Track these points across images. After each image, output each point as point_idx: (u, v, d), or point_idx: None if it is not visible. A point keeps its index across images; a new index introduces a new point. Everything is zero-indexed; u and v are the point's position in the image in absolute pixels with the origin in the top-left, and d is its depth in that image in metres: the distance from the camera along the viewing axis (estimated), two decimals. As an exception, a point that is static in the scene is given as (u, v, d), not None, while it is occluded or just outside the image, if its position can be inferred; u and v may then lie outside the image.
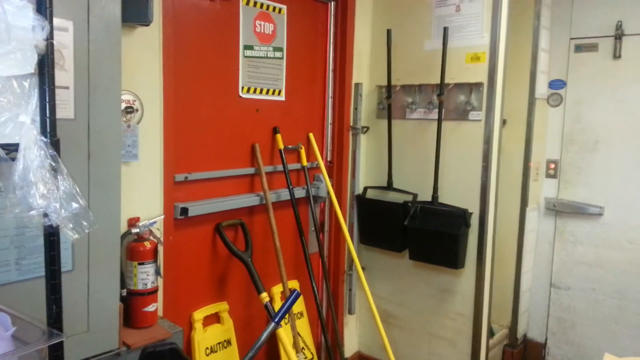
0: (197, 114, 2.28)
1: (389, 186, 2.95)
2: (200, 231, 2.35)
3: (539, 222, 3.45)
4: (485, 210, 2.64)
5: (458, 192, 2.71)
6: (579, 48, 3.26)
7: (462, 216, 2.63)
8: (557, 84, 3.36)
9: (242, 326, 2.58)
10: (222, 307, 2.45)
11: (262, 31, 2.54)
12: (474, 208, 2.66)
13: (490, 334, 3.06)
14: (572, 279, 3.33)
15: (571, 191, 3.34)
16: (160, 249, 1.94)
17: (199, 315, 2.33)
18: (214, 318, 2.44)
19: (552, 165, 3.39)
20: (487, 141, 2.60)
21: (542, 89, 3.32)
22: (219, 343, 2.39)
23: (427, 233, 2.71)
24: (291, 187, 2.66)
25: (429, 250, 2.73)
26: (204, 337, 2.32)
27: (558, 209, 3.36)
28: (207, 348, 2.32)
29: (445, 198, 2.74)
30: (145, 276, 1.84)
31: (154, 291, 1.88)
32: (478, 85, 2.61)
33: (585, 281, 3.28)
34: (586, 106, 3.24)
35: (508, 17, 2.56)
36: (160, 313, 2.02)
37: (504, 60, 2.59)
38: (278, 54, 2.64)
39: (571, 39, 3.28)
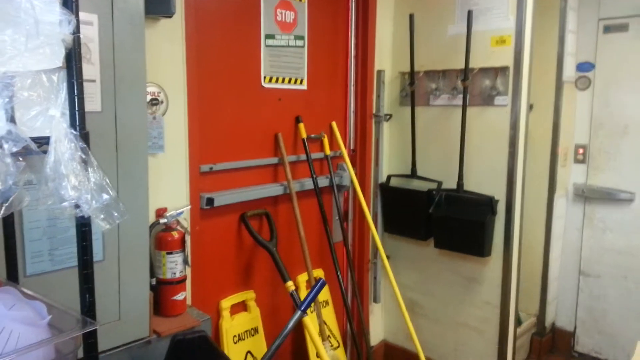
0: (220, 104, 2.30)
1: (413, 174, 2.93)
2: (225, 221, 2.38)
3: (567, 209, 3.39)
4: (512, 197, 2.60)
5: (484, 179, 2.68)
6: (607, 29, 3.16)
7: (488, 203, 2.60)
8: (585, 67, 3.27)
9: (269, 314, 2.60)
10: (248, 295, 2.48)
11: (283, 20, 2.53)
12: (500, 195, 2.62)
13: (518, 322, 3.03)
14: (602, 266, 3.27)
15: (600, 177, 3.26)
16: (188, 238, 1.96)
17: (226, 303, 2.36)
18: (241, 306, 2.47)
19: (581, 151, 3.31)
20: (514, 126, 2.56)
21: (569, 72, 3.23)
22: (246, 331, 2.42)
23: (452, 221, 2.68)
24: (315, 176, 2.66)
25: (455, 238, 2.71)
26: (231, 325, 2.35)
27: (587, 195, 3.29)
28: (234, 336, 2.35)
29: (470, 185, 2.71)
30: (174, 265, 1.87)
31: (183, 280, 1.91)
32: (504, 69, 2.56)
33: (616, 269, 3.21)
34: (615, 89, 3.15)
35: (534, -1, 2.49)
36: (188, 302, 2.05)
37: (530, 43, 2.53)
38: (299, 43, 2.63)
39: (600, 19, 3.18)
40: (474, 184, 2.70)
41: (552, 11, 3.09)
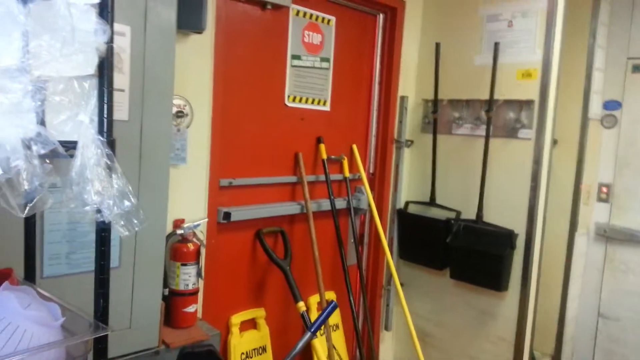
0: (243, 120, 2.32)
1: (432, 202, 2.90)
2: (241, 236, 2.38)
3: (588, 248, 3.31)
4: (532, 232, 2.55)
5: (504, 212, 2.64)
6: (636, 68, 3.13)
7: (507, 237, 2.56)
8: (612, 105, 3.24)
9: (278, 334, 2.58)
10: (259, 313, 2.46)
11: (310, 41, 2.57)
12: (520, 229, 2.58)
13: (532, 360, 2.95)
14: (622, 309, 3.17)
15: (624, 217, 3.19)
16: (203, 251, 1.97)
17: (236, 319, 2.35)
18: (251, 324, 2.45)
19: (605, 189, 3.25)
20: (537, 161, 2.53)
21: (595, 109, 3.20)
22: (254, 349, 2.40)
23: (470, 252, 2.64)
24: (332, 197, 2.66)
25: (471, 270, 2.66)
26: (240, 342, 2.33)
27: (609, 235, 3.22)
28: (242, 353, 2.34)
29: (490, 217, 2.67)
30: (187, 277, 1.87)
31: (195, 292, 1.90)
32: (529, 102, 2.55)
33: (637, 313, 3.11)
34: (643, 129, 3.11)
35: (562, 33, 2.49)
36: (199, 315, 2.05)
37: (556, 78, 2.52)
38: (325, 64, 2.66)
39: (628, 58, 3.15)
40: (493, 216, 2.67)
41: (579, 48, 3.08)
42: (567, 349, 3.31)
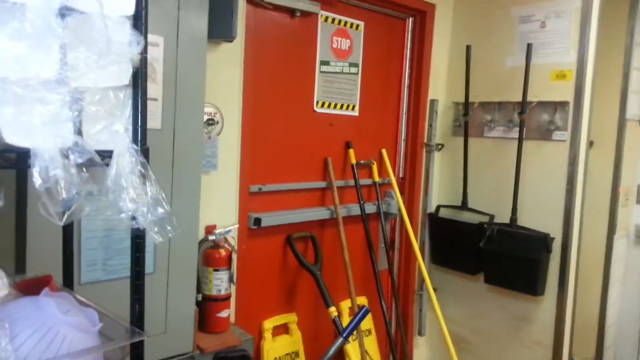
0: (272, 126, 2.34)
1: (464, 206, 2.86)
2: (271, 242, 2.39)
3: (627, 251, 3.20)
4: (569, 235, 2.49)
5: (539, 216, 2.58)
6: (676, 66, 3.02)
7: (543, 240, 2.50)
8: (651, 104, 3.13)
9: (310, 339, 2.57)
10: (291, 318, 2.47)
11: (339, 47, 2.57)
12: (555, 233, 2.52)
13: (571, 367, 2.86)
14: (665, 314, 3.06)
15: (665, 219, 3.08)
16: (234, 256, 1.98)
17: (268, 324, 2.36)
18: (283, 328, 2.46)
19: (644, 191, 3.15)
20: (572, 163, 2.46)
21: (634, 109, 3.10)
22: (287, 354, 2.40)
23: (504, 257, 2.59)
24: (362, 202, 2.65)
25: (506, 275, 2.61)
26: (273, 347, 2.34)
27: (650, 238, 3.11)
28: (275, 358, 2.34)
29: (524, 221, 2.61)
30: (220, 282, 1.89)
31: (227, 297, 1.92)
32: (563, 104, 2.48)
33: (681, 318, 3.00)
34: (684, 128, 2.99)
35: (597, 33, 2.42)
36: (232, 320, 2.06)
37: (592, 78, 2.45)
38: (353, 70, 2.66)
39: (669, 56, 3.05)
40: (528, 220, 2.61)
41: (616, 47, 2.99)
42: (608, 354, 3.20)
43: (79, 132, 1.06)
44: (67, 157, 1.03)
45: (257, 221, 2.23)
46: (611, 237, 3.10)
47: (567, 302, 2.51)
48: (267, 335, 2.34)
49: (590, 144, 2.62)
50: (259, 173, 2.29)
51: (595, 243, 3.08)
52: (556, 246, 2.52)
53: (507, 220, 2.65)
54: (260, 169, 2.30)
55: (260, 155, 2.28)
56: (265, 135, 2.30)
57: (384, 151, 2.82)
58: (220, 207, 2.05)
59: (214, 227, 1.98)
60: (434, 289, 2.86)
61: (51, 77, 1.01)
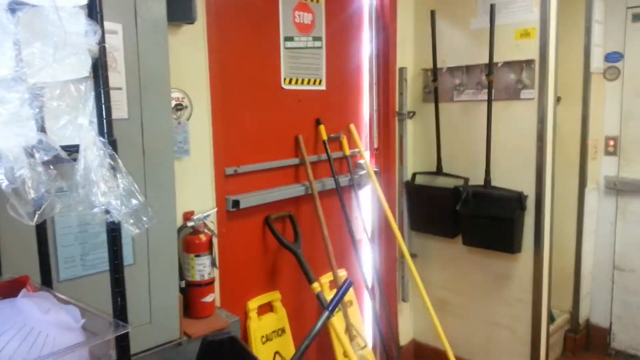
0: (242, 107, 2.32)
1: (439, 171, 2.90)
2: (250, 222, 2.40)
3: (599, 203, 3.31)
4: (542, 192, 2.55)
5: (512, 175, 2.63)
6: (637, 17, 3.07)
7: (517, 199, 2.56)
8: (613, 57, 3.19)
9: (295, 315, 2.61)
10: (274, 296, 2.49)
11: (302, 21, 2.54)
12: (529, 190, 2.58)
13: (551, 319, 2.97)
14: (636, 260, 3.18)
15: (633, 169, 3.17)
16: (215, 240, 1.98)
17: (253, 304, 2.38)
18: (268, 307, 2.49)
19: (612, 142, 3.23)
20: (541, 120, 2.51)
21: (597, 62, 3.16)
22: (273, 331, 2.44)
23: (480, 218, 2.65)
24: (336, 176, 2.66)
25: (484, 236, 2.67)
26: (259, 326, 2.37)
27: (619, 188, 3.20)
28: (262, 336, 2.37)
29: (498, 181, 2.67)
30: (202, 267, 1.89)
31: (211, 282, 1.93)
32: (529, 62, 2.51)
33: (652, 262, 3.12)
34: (647, 78, 3.06)
35: (558, -11, 2.44)
36: (217, 303, 2.07)
37: (555, 35, 2.48)
38: (317, 44, 2.63)
39: (628, 7, 3.09)
40: (501, 180, 2.66)
41: (577, 1, 3.02)
42: (584, 304, 3.33)
43: (42, 129, 1.04)
44: (32, 155, 1.01)
45: (236, 203, 2.22)
46: (582, 190, 3.19)
47: (543, 258, 2.59)
48: (253, 315, 2.36)
49: (558, 99, 2.66)
50: (233, 155, 2.27)
51: (567, 197, 3.17)
52: (530, 203, 2.58)
53: (481, 182, 2.70)
54: (234, 151, 2.28)
55: (232, 137, 2.26)
56: (235, 117, 2.28)
57: (352, 126, 2.80)
58: (196, 193, 2.04)
59: (192, 213, 1.97)
60: (415, 255, 2.92)
61: (7, 75, 0.98)
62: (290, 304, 2.58)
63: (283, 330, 2.48)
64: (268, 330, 2.41)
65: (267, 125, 2.44)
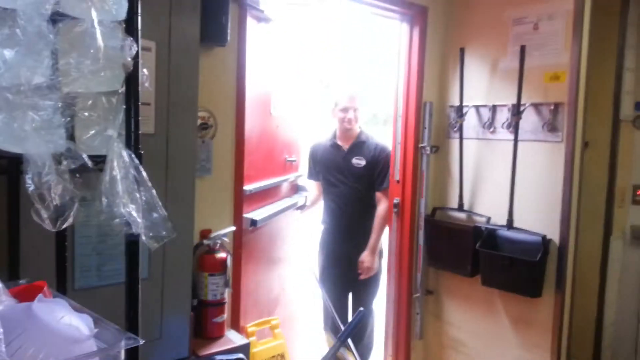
0: (254, 128, 2.35)
1: (460, 208, 2.86)
2: (263, 241, 2.40)
3: (624, 252, 3.20)
4: (566, 236, 2.49)
5: (535, 217, 2.58)
6: (670, 67, 3.04)
7: (540, 242, 2.50)
8: (645, 105, 3.14)
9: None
10: (273, 321, 2.46)
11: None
12: (553, 234, 2.52)
13: (569, 368, 2.86)
14: (663, 314, 3.06)
15: (661, 219, 3.08)
16: (230, 260, 1.98)
17: (252, 328, 2.35)
18: (267, 332, 2.46)
19: (640, 191, 3.15)
20: (568, 164, 2.47)
21: (627, 110, 3.11)
22: (272, 357, 2.39)
23: (501, 259, 2.59)
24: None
25: (504, 277, 2.60)
26: (259, 350, 2.33)
27: (646, 238, 3.11)
28: None
29: (520, 222, 2.62)
30: (215, 287, 1.88)
31: (223, 302, 1.91)
32: (558, 105, 2.49)
33: (678, 317, 3.00)
34: (678, 128, 3.00)
35: (589, 34, 2.44)
36: (227, 323, 2.05)
37: (585, 79, 2.46)
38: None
39: (661, 56, 3.06)
40: (524, 222, 2.61)
41: (608, 48, 3.00)
42: (606, 355, 3.20)
43: (71, 138, 1.06)
44: (59, 162, 1.03)
45: (254, 222, 2.23)
46: (608, 238, 3.10)
47: (565, 304, 2.51)
48: (252, 339, 2.31)
49: (585, 144, 2.62)
50: (247, 174, 2.29)
51: (591, 244, 3.09)
52: (553, 247, 2.52)
53: (503, 222, 2.65)
54: (249, 170, 2.30)
55: (248, 156, 2.28)
56: (249, 137, 2.31)
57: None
58: (214, 211, 2.05)
59: (209, 231, 1.98)
60: (431, 292, 2.86)
61: (43, 83, 1.01)
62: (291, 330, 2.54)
63: (282, 357, 2.44)
64: (267, 355, 2.38)
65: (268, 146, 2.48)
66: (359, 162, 3.04)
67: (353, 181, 3.04)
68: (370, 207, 3.06)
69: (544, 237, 2.50)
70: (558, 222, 2.50)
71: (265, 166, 2.52)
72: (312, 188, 3.20)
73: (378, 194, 3.05)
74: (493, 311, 2.77)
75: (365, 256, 2.98)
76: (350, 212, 3.04)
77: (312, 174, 3.24)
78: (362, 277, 2.99)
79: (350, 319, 2.97)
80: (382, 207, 3.02)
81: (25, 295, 1.03)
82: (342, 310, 3.10)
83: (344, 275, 3.05)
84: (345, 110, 3.04)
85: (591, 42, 2.46)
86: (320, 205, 3.21)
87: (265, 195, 2.52)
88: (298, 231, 3.10)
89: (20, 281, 1.15)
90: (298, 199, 2.97)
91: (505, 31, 2.70)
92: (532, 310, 2.61)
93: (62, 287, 1.28)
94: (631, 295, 3.18)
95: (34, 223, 0.98)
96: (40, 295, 1.02)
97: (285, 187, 2.88)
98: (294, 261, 2.99)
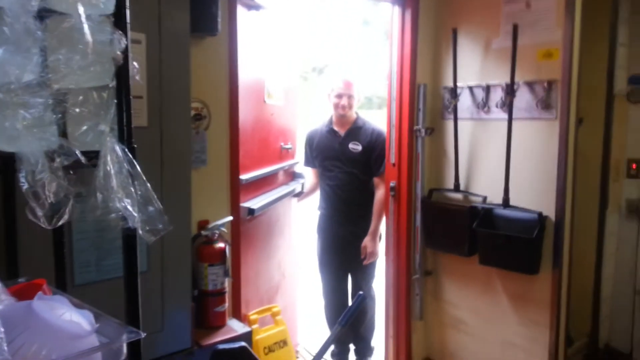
0: (248, 117, 2.34)
1: (456, 188, 2.87)
2: (261, 230, 2.41)
3: (620, 225, 3.23)
4: (562, 212, 2.50)
5: (531, 195, 2.59)
6: (663, 40, 3.03)
7: (536, 219, 2.51)
8: (637, 79, 3.13)
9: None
10: (274, 309, 2.49)
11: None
12: (549, 211, 2.53)
13: (569, 342, 2.90)
14: (659, 286, 3.09)
15: (657, 192, 3.10)
16: (228, 250, 1.98)
17: (254, 316, 2.37)
18: (269, 319, 2.48)
19: (634, 165, 3.16)
20: (563, 140, 2.47)
21: (620, 85, 3.11)
22: (275, 343, 2.43)
23: (498, 237, 2.60)
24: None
25: (501, 255, 2.62)
26: (261, 337, 2.36)
27: (642, 211, 3.13)
28: (265, 347, 2.36)
29: (517, 201, 2.63)
30: (215, 277, 1.89)
31: (224, 292, 1.93)
32: (551, 82, 2.49)
33: (675, 288, 3.03)
34: (672, 101, 3.01)
35: (582, 10, 2.42)
36: (229, 312, 2.07)
37: (578, 56, 2.46)
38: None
39: (655, 30, 3.05)
40: (520, 199, 2.62)
41: (601, 23, 2.99)
42: (604, 328, 3.24)
43: (63, 135, 1.06)
44: (53, 160, 1.03)
45: (251, 211, 2.23)
46: (603, 212, 3.12)
47: (562, 280, 2.53)
48: (254, 326, 2.34)
49: (580, 121, 2.63)
50: (243, 163, 2.29)
51: (587, 219, 3.11)
52: (549, 224, 2.53)
53: (499, 201, 2.66)
54: (244, 160, 2.30)
55: (243, 145, 2.28)
56: (244, 127, 2.30)
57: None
58: (211, 202, 2.05)
59: (207, 222, 1.98)
60: (430, 272, 2.88)
61: (32, 81, 1.00)
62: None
63: (285, 342, 2.47)
64: (270, 341, 2.40)
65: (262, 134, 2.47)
66: (355, 147, 3.04)
67: (350, 166, 3.04)
68: (366, 191, 3.07)
69: (540, 214, 2.52)
70: (554, 199, 2.52)
71: (261, 155, 2.52)
72: (309, 175, 3.20)
73: (376, 179, 3.06)
74: (491, 289, 2.80)
75: (367, 241, 3.00)
76: (346, 197, 3.05)
77: (309, 161, 3.24)
78: (365, 262, 3.00)
79: (350, 302, 3.00)
80: (380, 192, 3.03)
81: (24, 294, 1.03)
82: (341, 293, 3.13)
83: (342, 258, 3.07)
84: (339, 96, 3.04)
85: (584, 18, 2.45)
86: (317, 194, 3.21)
87: (262, 183, 2.53)
88: (295, 218, 3.11)
89: (20, 280, 1.16)
90: (295, 186, 2.97)
91: (497, 10, 2.68)
92: (530, 287, 2.63)
93: (61, 283, 1.29)
94: (627, 268, 3.21)
95: (31, 221, 0.98)
96: (39, 292, 1.03)
97: (281, 175, 2.89)
98: (292, 248, 3.00)
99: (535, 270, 2.55)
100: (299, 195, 3.07)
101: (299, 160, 3.15)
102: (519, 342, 2.71)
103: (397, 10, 2.87)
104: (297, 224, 3.19)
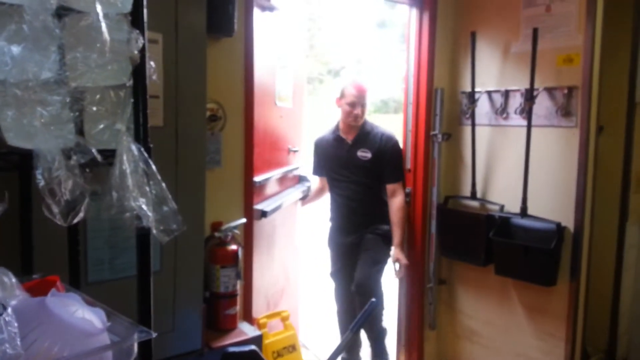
0: (261, 119, 2.34)
1: (473, 196, 2.83)
2: (273, 232, 2.40)
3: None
4: (581, 223, 2.45)
5: (549, 204, 2.54)
6: (687, 47, 2.96)
7: (554, 230, 2.46)
8: (661, 87, 3.07)
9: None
10: (284, 314, 2.48)
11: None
12: (567, 221, 2.48)
13: (585, 356, 2.83)
14: (680, 300, 3.01)
15: (679, 204, 3.03)
16: (241, 252, 1.98)
17: (263, 320, 2.36)
18: (278, 323, 2.47)
19: (656, 176, 3.10)
20: (583, 149, 2.42)
21: (643, 92, 3.05)
22: (284, 347, 2.41)
23: (515, 247, 2.56)
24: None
25: (518, 266, 2.57)
26: (270, 342, 2.34)
27: (663, 223, 3.06)
28: (274, 352, 2.35)
29: (535, 210, 2.58)
30: (227, 279, 1.89)
31: (235, 294, 1.92)
32: (571, 89, 2.45)
33: (697, 304, 2.95)
34: (696, 110, 2.94)
35: (603, 15, 2.38)
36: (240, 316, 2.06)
37: (599, 62, 2.41)
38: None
39: (678, 37, 2.99)
40: (538, 209, 2.57)
41: (623, 29, 2.94)
42: (622, 343, 3.17)
43: (80, 132, 1.06)
44: (69, 157, 1.03)
45: (264, 214, 2.23)
46: (623, 224, 3.05)
47: (579, 292, 2.48)
48: (264, 331, 2.32)
49: (600, 129, 2.58)
50: (255, 165, 2.28)
51: (607, 230, 3.04)
52: (568, 235, 2.49)
53: (517, 210, 2.62)
54: (256, 161, 2.29)
55: (255, 147, 2.27)
56: (256, 128, 2.30)
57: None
58: (225, 203, 2.05)
59: (220, 223, 1.98)
60: (444, 281, 2.84)
61: (50, 78, 1.01)
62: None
63: (294, 347, 2.45)
64: (279, 346, 2.39)
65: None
66: (364, 154, 2.88)
67: (359, 175, 2.88)
68: (379, 200, 2.93)
69: (558, 225, 2.47)
70: (573, 209, 2.47)
71: (272, 157, 2.51)
72: (315, 180, 3.13)
73: (389, 186, 2.90)
74: (507, 300, 2.75)
75: (398, 254, 2.85)
76: (357, 207, 2.91)
77: (317, 170, 3.10)
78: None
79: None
80: (397, 199, 2.88)
81: (38, 290, 1.03)
82: (354, 299, 3.09)
83: (354, 263, 3.01)
84: (352, 105, 2.83)
85: (605, 23, 2.40)
86: (323, 200, 3.13)
87: (272, 186, 2.52)
88: (300, 221, 3.09)
89: (34, 276, 1.16)
90: (301, 188, 2.96)
91: (516, 14, 2.65)
92: (546, 299, 2.58)
93: (75, 281, 1.29)
94: (647, 281, 3.13)
95: (46, 218, 0.98)
96: (53, 289, 1.03)
97: (289, 177, 2.88)
98: (297, 251, 2.99)
99: (553, 281, 2.50)
100: (304, 199, 3.02)
101: (305, 163, 3.12)
102: (534, 355, 2.66)
103: (414, 12, 2.85)
104: (302, 227, 3.17)
